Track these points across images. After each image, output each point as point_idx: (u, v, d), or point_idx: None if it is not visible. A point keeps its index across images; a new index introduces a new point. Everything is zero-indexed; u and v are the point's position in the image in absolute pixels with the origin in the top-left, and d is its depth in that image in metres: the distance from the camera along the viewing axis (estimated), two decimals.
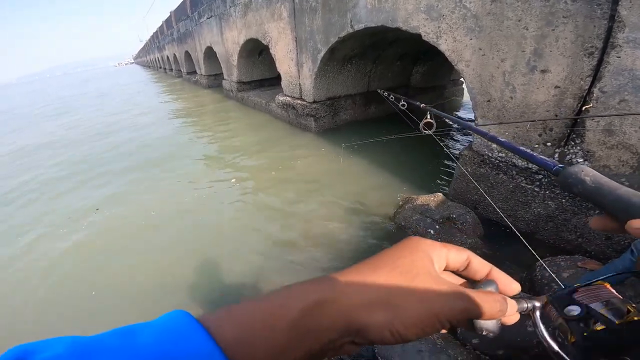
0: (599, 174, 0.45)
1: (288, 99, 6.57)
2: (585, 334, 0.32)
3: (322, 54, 5.06)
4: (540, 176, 2.57)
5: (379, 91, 3.06)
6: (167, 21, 19.69)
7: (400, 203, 3.36)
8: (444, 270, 0.36)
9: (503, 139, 0.70)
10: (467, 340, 1.73)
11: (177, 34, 17.25)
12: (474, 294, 0.32)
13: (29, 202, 4.74)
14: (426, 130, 1.46)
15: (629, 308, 0.33)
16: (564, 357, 0.32)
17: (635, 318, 0.32)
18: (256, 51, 9.13)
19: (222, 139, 6.91)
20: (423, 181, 3.89)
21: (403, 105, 2.35)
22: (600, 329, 0.32)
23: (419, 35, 3.21)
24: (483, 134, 0.61)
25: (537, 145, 2.55)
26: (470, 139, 5.00)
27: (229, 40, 9.21)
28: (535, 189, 2.59)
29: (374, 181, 4.09)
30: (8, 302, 2.78)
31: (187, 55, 16.77)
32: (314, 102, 5.85)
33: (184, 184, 4.66)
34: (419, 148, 4.89)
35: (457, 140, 5.25)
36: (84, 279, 2.91)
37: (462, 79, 7.52)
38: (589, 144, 2.25)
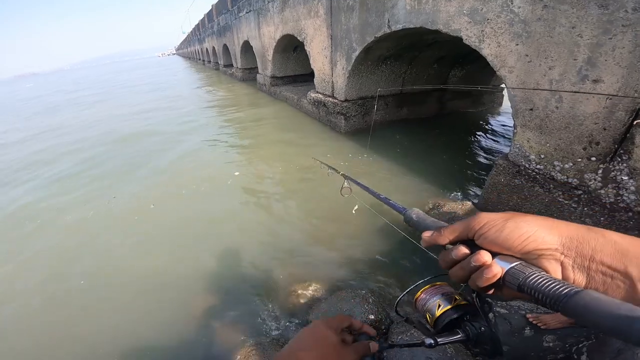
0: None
1: (319, 95, 6.62)
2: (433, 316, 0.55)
3: (356, 53, 5.04)
4: (580, 192, 2.44)
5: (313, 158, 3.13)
6: (209, 14, 20.36)
7: (427, 208, 3.30)
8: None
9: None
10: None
11: (217, 27, 17.78)
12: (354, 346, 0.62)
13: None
14: (345, 194, 1.57)
15: (456, 297, 0.54)
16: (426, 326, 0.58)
17: (462, 303, 0.53)
18: (291, 47, 9.25)
19: (250, 129, 7.13)
20: (453, 188, 3.79)
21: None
22: (441, 313, 0.54)
23: (460, 39, 3.13)
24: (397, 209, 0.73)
25: (580, 160, 2.41)
26: (506, 149, 4.82)
27: (265, 35, 9.39)
28: (573, 205, 2.46)
29: (400, 183, 4.05)
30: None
31: (225, 48, 17.26)
32: (345, 100, 5.85)
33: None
34: (450, 153, 4.77)
35: (493, 148, 5.05)
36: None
37: (502, 85, 7.23)
38: (636, 161, 2.10)
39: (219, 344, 2.13)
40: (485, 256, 0.41)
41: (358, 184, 1.15)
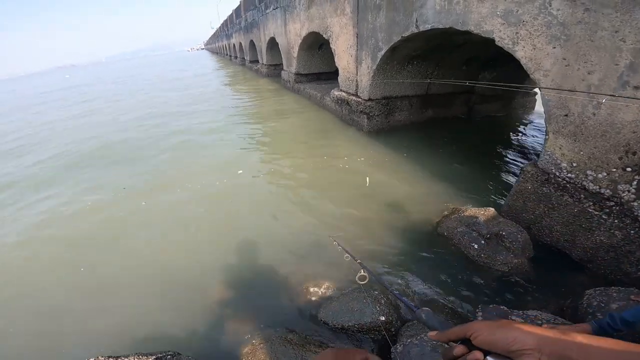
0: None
1: (343, 94, 6.59)
2: None
3: (382, 52, 4.99)
4: (612, 203, 2.32)
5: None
6: (237, 10, 20.72)
7: (446, 213, 3.24)
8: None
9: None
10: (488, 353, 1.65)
11: (245, 23, 18.07)
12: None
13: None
14: (360, 282, 1.60)
15: None
16: None
17: None
18: (316, 45, 9.27)
19: (272, 126, 7.23)
20: (475, 193, 3.70)
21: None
22: None
23: (492, 40, 3.03)
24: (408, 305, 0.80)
25: (614, 170, 2.29)
26: (534, 157, 4.63)
27: (291, 32, 9.45)
28: (604, 217, 2.35)
29: (421, 185, 3.99)
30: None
31: (252, 44, 17.53)
32: (369, 99, 5.81)
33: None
34: (475, 158, 4.64)
35: (520, 154, 4.86)
36: None
37: (535, 90, 6.92)
38: None
39: (229, 335, 2.19)
40: (478, 355, 0.53)
41: (372, 275, 1.25)
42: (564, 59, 2.46)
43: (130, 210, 3.92)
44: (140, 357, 1.78)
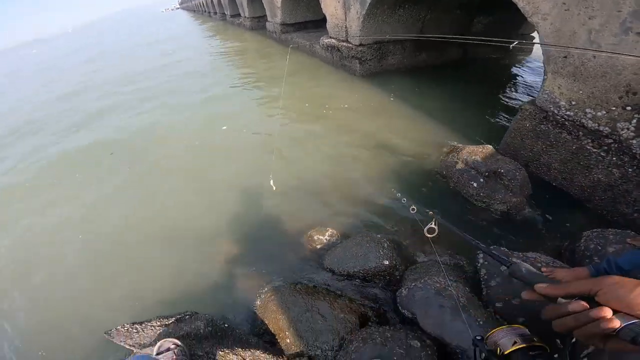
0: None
1: (333, 41, 6.36)
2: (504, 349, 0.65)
3: None
4: (610, 140, 2.31)
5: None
6: None
7: (445, 152, 3.22)
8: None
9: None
10: (492, 303, 1.69)
11: None
12: None
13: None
14: (429, 234, 1.52)
15: (534, 339, 0.61)
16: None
17: (538, 344, 0.60)
18: None
19: (263, 78, 7.01)
20: (473, 132, 3.68)
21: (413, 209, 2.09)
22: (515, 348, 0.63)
23: None
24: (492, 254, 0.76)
25: (614, 108, 2.26)
26: (531, 97, 4.53)
27: None
28: (602, 154, 2.36)
29: (419, 126, 3.96)
30: None
31: None
32: (360, 45, 5.63)
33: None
34: (471, 97, 4.56)
35: (516, 95, 4.76)
36: None
37: (532, 34, 6.62)
38: None
39: (240, 290, 2.24)
40: (606, 311, 0.47)
41: (450, 227, 1.15)
42: (564, 3, 2.32)
43: (123, 178, 3.84)
44: (162, 319, 1.84)
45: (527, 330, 0.69)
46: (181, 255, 2.58)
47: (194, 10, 45.25)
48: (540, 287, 0.57)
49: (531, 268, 0.64)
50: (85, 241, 2.93)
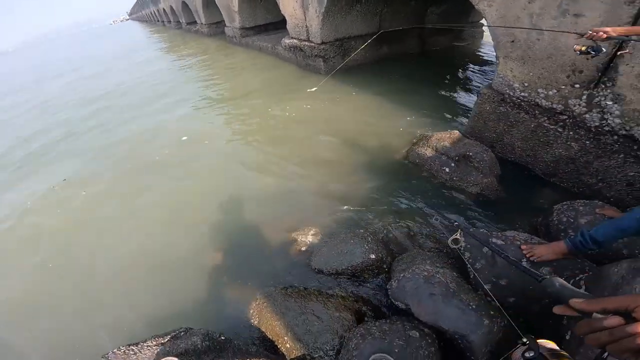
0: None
1: (295, 41, 6.36)
2: None
3: None
4: (565, 116, 2.47)
5: None
6: None
7: (415, 141, 3.31)
8: None
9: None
10: (480, 285, 1.69)
11: None
12: None
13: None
14: (454, 245, 1.57)
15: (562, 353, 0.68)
16: None
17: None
18: None
19: (228, 83, 6.86)
20: (438, 120, 3.81)
21: (436, 219, 2.16)
22: None
23: None
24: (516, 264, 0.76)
25: (563, 87, 2.42)
26: (490, 79, 4.77)
27: None
28: (559, 129, 2.51)
29: (387, 119, 4.04)
30: None
31: (185, 5, 15.86)
32: (322, 43, 5.66)
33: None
34: (434, 88, 4.72)
35: (475, 80, 4.99)
36: None
37: (482, 21, 6.96)
38: (620, 88, 2.12)
39: (231, 299, 2.20)
40: None
41: (475, 236, 1.16)
42: None
43: (80, 203, 3.61)
44: (157, 338, 1.77)
45: (554, 344, 0.71)
46: (167, 274, 2.50)
47: (146, 20, 43.46)
48: (576, 302, 0.58)
49: (565, 283, 0.64)
50: (64, 269, 2.78)
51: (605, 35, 1.66)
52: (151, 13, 33.93)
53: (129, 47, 17.06)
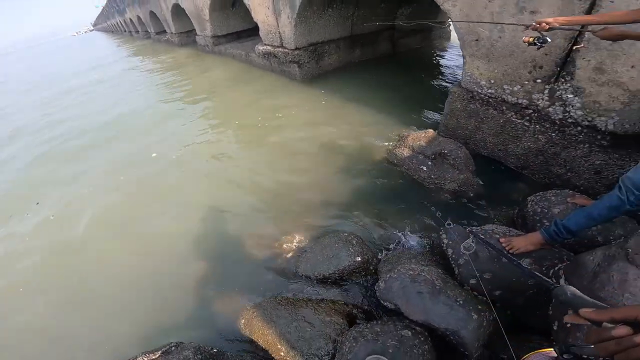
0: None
1: (268, 47, 6.35)
2: None
3: None
4: (530, 111, 2.60)
5: None
6: None
7: (392, 142, 3.39)
8: None
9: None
10: (465, 281, 1.73)
11: None
12: None
13: None
14: (465, 251, 1.62)
15: None
16: None
17: None
18: (229, 3, 8.53)
19: (202, 93, 6.71)
20: (415, 119, 3.91)
21: (449, 224, 2.14)
22: None
23: None
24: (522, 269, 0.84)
25: (526, 82, 2.54)
26: (458, 77, 4.95)
27: None
28: (526, 123, 2.63)
29: (364, 121, 4.10)
30: None
31: (153, 15, 15.45)
32: (296, 48, 5.68)
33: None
34: (408, 87, 4.83)
35: (445, 78, 5.16)
36: None
37: (448, 21, 7.21)
38: (579, 81, 2.25)
39: (221, 311, 2.17)
40: None
41: (487, 242, 1.21)
42: None
43: (59, 225, 3.44)
44: (148, 354, 1.75)
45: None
46: (154, 290, 2.44)
47: (112, 31, 42.07)
48: (586, 312, 0.58)
49: (576, 291, 0.65)
50: (48, 289, 2.68)
51: (547, 26, 1.70)
52: (117, 23, 32.90)
53: (93, 60, 16.29)
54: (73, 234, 3.24)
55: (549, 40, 1.81)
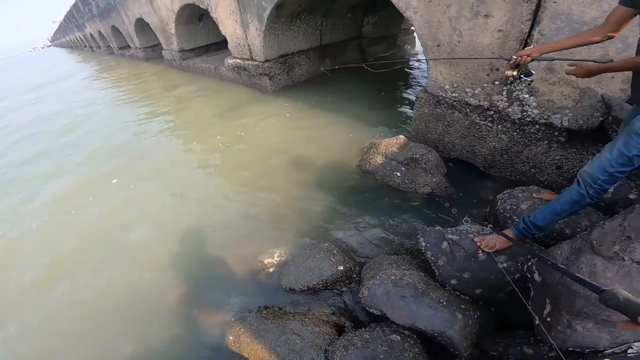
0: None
1: (238, 60, 6.30)
2: None
3: (267, 11, 4.77)
4: (492, 112, 2.73)
5: None
6: None
7: (365, 150, 3.44)
8: None
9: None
10: (446, 281, 1.74)
11: (98, 9, 15.25)
12: None
13: None
14: (488, 250, 1.67)
15: None
16: None
17: None
18: (195, 16, 8.41)
19: (172, 108, 6.54)
20: (386, 126, 3.99)
21: (466, 220, 2.14)
22: None
23: None
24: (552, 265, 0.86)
25: (486, 85, 2.68)
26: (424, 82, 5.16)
27: (161, 9, 8.34)
28: (489, 124, 2.77)
29: (336, 131, 4.15)
30: None
31: (115, 30, 14.96)
32: (266, 60, 5.69)
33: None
34: (376, 96, 4.94)
35: (413, 83, 5.36)
36: None
37: (412, 28, 7.50)
38: (533, 81, 2.40)
39: (207, 331, 2.12)
40: None
41: (510, 239, 1.26)
42: None
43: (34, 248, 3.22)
44: None
45: None
46: (135, 314, 2.35)
47: (72, 47, 40.27)
48: None
49: (629, 295, 0.56)
50: (24, 320, 2.49)
51: (529, 59, 1.63)
52: (76, 39, 31.56)
53: (48, 78, 15.42)
54: (48, 254, 3.04)
55: (534, 72, 1.76)
